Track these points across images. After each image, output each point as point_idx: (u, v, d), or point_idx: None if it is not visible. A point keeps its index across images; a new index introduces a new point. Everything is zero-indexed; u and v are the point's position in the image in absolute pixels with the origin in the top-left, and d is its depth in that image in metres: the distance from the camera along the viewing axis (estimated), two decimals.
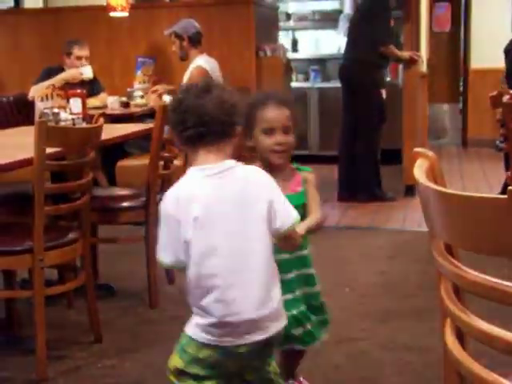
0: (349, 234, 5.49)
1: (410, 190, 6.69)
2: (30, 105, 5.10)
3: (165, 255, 2.03)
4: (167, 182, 4.14)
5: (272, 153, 2.45)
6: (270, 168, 2.35)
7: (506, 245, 1.23)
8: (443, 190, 1.36)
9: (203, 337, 2.01)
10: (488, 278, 1.30)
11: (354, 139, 6.55)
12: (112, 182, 5.51)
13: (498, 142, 8.88)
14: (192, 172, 2.06)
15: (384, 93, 6.48)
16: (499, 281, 1.29)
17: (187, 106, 2.02)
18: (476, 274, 1.32)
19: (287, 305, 2.26)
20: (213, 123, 2.02)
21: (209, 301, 1.98)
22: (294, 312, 2.48)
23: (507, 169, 5.28)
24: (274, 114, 2.43)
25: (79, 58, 5.99)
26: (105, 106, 5.93)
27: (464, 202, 1.29)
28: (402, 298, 4.01)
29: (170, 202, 2.02)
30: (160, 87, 6.15)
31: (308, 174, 2.59)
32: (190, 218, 1.96)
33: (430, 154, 1.60)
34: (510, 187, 1.16)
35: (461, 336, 1.61)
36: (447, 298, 1.50)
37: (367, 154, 6.53)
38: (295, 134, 2.49)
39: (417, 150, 1.62)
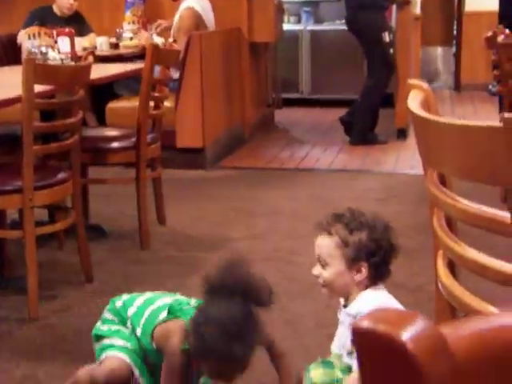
0: (340, 176, 5.48)
1: (402, 133, 6.68)
2: (18, 46, 5.03)
3: None
4: (158, 123, 4.11)
5: None
6: None
7: (501, 173, 1.22)
8: (438, 119, 1.34)
9: None
10: (479, 206, 1.29)
11: None
12: (102, 124, 5.47)
13: (490, 87, 8.87)
14: None
15: (387, 35, 6.39)
16: (490, 209, 1.28)
17: None
18: (468, 202, 1.31)
19: None
20: None
21: None
22: None
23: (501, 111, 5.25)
24: None
25: None
26: (94, 48, 5.85)
27: (459, 131, 1.27)
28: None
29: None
30: (163, 21, 6.09)
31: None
32: None
33: (425, 85, 1.58)
34: (505, 114, 1.14)
35: (453, 268, 1.61)
36: (440, 230, 1.50)
37: (366, 96, 6.50)
38: None
39: (411, 81, 1.59)
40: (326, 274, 2.05)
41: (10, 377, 2.64)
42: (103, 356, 2.29)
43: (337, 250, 2.02)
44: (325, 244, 2.05)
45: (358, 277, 2.00)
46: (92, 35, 6.01)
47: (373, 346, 0.51)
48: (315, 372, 2.19)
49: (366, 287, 2.03)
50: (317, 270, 2.08)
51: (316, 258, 2.12)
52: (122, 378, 2.23)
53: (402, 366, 0.50)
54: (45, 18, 5.73)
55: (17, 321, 3.10)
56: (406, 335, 0.50)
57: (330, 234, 2.04)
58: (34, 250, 3.11)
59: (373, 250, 1.98)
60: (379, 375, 0.52)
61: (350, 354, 2.01)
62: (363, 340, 0.51)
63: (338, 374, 2.13)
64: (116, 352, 2.27)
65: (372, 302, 1.97)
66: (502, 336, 0.60)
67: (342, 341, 2.07)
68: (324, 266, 2.06)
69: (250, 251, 3.87)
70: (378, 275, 2.02)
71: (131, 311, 2.32)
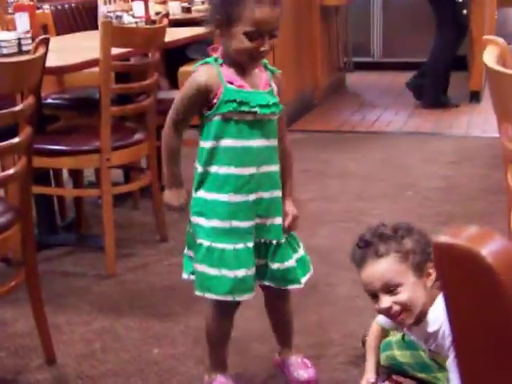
0: (412, 139, 5.44)
1: (476, 96, 6.57)
2: (94, 11, 5.11)
3: None
4: None
5: (250, 58, 1.96)
6: (237, 65, 1.98)
7: None
8: None
9: None
10: None
11: None
12: (175, 87, 5.53)
13: None
14: None
15: None
16: None
17: None
18: None
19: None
20: None
21: None
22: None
23: None
24: (267, 16, 1.89)
25: None
26: (167, 12, 5.89)
27: None
28: (465, 201, 3.99)
29: None
30: None
31: (279, 81, 2.13)
32: None
33: (501, 41, 1.57)
34: None
35: None
36: None
37: (436, 58, 6.39)
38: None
39: (487, 37, 1.59)
40: (403, 295, 1.85)
41: (90, 329, 2.75)
42: None
43: (401, 265, 1.85)
44: (384, 267, 1.86)
45: (430, 281, 1.87)
46: None
47: (453, 261, 0.54)
48: (402, 354, 2.17)
49: (433, 298, 1.87)
50: (386, 301, 1.87)
51: (373, 291, 1.91)
52: None
53: (482, 278, 0.53)
54: None
55: (94, 277, 3.21)
56: (486, 250, 0.53)
57: (380, 255, 1.86)
58: (111, 208, 3.20)
59: (427, 247, 1.86)
60: (460, 289, 0.55)
61: None
62: (444, 254, 0.54)
63: (423, 355, 2.10)
64: None
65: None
66: None
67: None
68: (393, 290, 1.85)
69: (322, 212, 3.90)
70: None
71: None
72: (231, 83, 1.97)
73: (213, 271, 2.03)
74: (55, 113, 3.81)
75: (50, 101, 3.85)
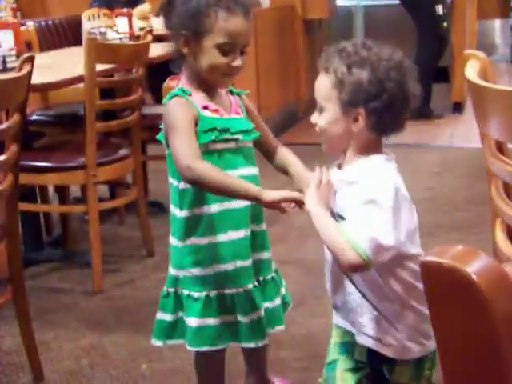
0: (396, 151, 5.43)
1: (458, 107, 6.63)
2: (78, 26, 5.12)
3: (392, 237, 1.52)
4: None
5: (223, 75, 1.86)
6: (206, 88, 1.89)
7: None
8: (495, 86, 1.36)
9: None
10: None
11: None
12: (159, 102, 5.54)
13: None
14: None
15: (440, 8, 6.32)
16: None
17: None
18: None
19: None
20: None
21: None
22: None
23: None
24: (241, 28, 1.81)
25: None
26: (150, 27, 5.90)
27: None
28: (450, 211, 4.03)
29: (402, 184, 1.61)
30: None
31: (248, 101, 2.05)
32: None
33: (482, 55, 1.60)
34: None
35: (511, 236, 1.63)
36: (498, 197, 1.52)
37: (419, 70, 6.42)
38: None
39: (468, 51, 1.61)
40: (321, 121, 1.66)
41: (78, 345, 2.75)
42: None
43: (333, 91, 1.61)
44: (321, 84, 1.65)
45: (355, 127, 1.60)
46: (145, 5, 6.03)
47: (439, 280, 0.56)
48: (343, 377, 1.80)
49: (368, 152, 1.64)
50: (314, 116, 1.70)
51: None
52: None
53: (468, 297, 0.54)
54: (108, 1, 5.84)
55: (82, 293, 3.21)
56: (471, 268, 0.54)
57: (327, 71, 1.62)
58: (98, 224, 3.21)
59: (373, 92, 1.56)
60: (445, 307, 0.56)
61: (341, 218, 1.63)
62: (430, 273, 0.56)
63: None
64: None
65: (371, 172, 1.59)
66: None
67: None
68: (321, 111, 1.67)
69: (309, 225, 3.90)
70: (381, 127, 1.61)
71: None
72: (206, 108, 1.85)
73: (214, 321, 1.92)
74: (40, 129, 3.81)
75: (34, 117, 3.86)
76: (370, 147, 1.64)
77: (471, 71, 1.50)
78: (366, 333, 1.68)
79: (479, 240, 3.38)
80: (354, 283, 1.67)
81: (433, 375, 1.74)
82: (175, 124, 1.79)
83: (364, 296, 1.66)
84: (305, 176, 1.89)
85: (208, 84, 1.87)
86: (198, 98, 1.85)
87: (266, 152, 2.04)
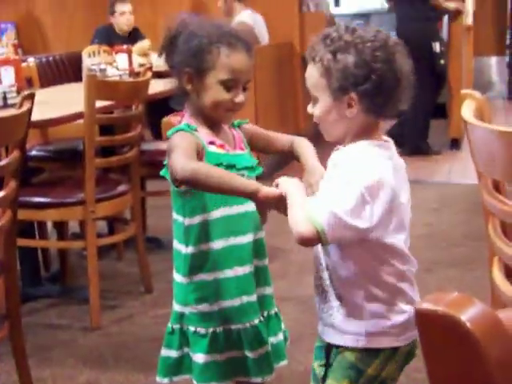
0: None
1: (456, 143, 6.66)
2: (78, 63, 5.17)
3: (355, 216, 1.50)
4: None
5: (226, 111, 1.86)
6: (211, 124, 1.89)
7: None
8: (491, 126, 1.37)
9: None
10: None
11: None
12: (158, 138, 5.57)
13: None
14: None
15: (437, 46, 6.38)
16: None
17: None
18: None
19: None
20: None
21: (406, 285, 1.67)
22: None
23: None
24: (243, 64, 1.84)
25: (122, 13, 6.09)
26: (150, 64, 5.96)
27: None
28: (448, 247, 4.03)
29: (390, 172, 1.57)
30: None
31: (249, 125, 2.04)
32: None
33: (478, 95, 1.61)
34: None
35: (509, 274, 1.63)
36: (495, 236, 1.53)
37: (415, 107, 6.46)
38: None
39: (464, 91, 1.63)
40: (316, 110, 1.64)
41: (75, 383, 2.73)
42: None
43: (321, 80, 1.60)
44: (310, 74, 1.63)
45: (349, 112, 1.58)
46: (145, 41, 6.10)
47: (434, 327, 0.56)
48: None
49: (365, 137, 1.61)
50: (310, 107, 1.68)
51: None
52: None
53: (462, 344, 0.55)
54: (108, 38, 5.92)
55: (79, 329, 3.20)
56: (466, 315, 0.55)
57: (314, 61, 1.61)
58: (96, 260, 3.21)
59: (361, 75, 1.54)
60: (440, 353, 0.56)
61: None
62: (425, 320, 0.56)
63: None
64: None
65: (353, 156, 1.59)
66: None
67: None
68: (314, 101, 1.65)
69: (307, 261, 3.90)
70: (376, 108, 1.58)
71: None
72: (212, 143, 1.85)
73: (221, 357, 1.90)
74: (39, 165, 3.83)
75: (34, 153, 3.87)
76: (367, 132, 1.61)
77: (467, 111, 1.52)
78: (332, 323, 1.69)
79: (477, 277, 3.39)
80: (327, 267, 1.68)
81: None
82: (175, 146, 1.76)
83: (331, 279, 1.67)
84: (315, 170, 1.84)
85: (212, 120, 1.88)
86: (204, 133, 1.86)
87: (283, 153, 2.05)
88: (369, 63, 1.53)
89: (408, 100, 1.66)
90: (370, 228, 1.51)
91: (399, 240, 1.61)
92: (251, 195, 1.66)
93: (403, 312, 1.64)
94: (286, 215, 1.60)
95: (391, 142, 1.65)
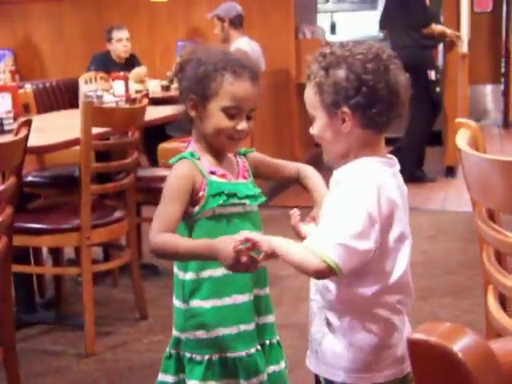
0: None
1: (451, 171, 6.69)
2: (75, 89, 5.20)
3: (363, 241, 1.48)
4: None
5: (229, 139, 1.86)
6: (215, 153, 1.89)
7: None
8: (486, 156, 1.38)
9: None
10: None
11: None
12: (154, 164, 5.58)
13: None
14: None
15: (433, 74, 6.42)
16: None
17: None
18: None
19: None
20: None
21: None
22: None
23: None
24: (247, 92, 1.83)
25: (119, 40, 6.14)
26: (146, 90, 6.00)
27: (507, 167, 1.32)
28: (443, 275, 4.03)
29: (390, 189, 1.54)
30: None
31: (255, 154, 2.05)
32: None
33: (473, 123, 1.62)
34: None
35: (503, 303, 1.63)
36: (489, 264, 1.53)
37: (411, 134, 6.51)
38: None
39: (459, 120, 1.64)
40: (314, 130, 1.63)
41: None
42: None
43: (316, 97, 1.59)
44: (306, 93, 1.63)
45: (344, 128, 1.55)
46: (141, 68, 6.13)
47: (426, 357, 0.56)
48: None
49: (366, 153, 1.58)
50: (311, 128, 1.65)
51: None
52: None
53: (454, 375, 0.55)
54: (105, 64, 5.97)
55: (74, 356, 3.18)
56: (458, 346, 0.55)
57: (309, 79, 1.61)
58: (91, 286, 3.20)
59: (352, 88, 1.52)
60: (432, 383, 0.57)
61: None
62: (417, 350, 0.57)
63: None
64: None
65: (355, 173, 1.56)
66: None
67: None
68: (313, 121, 1.64)
69: (302, 288, 3.90)
70: (370, 121, 1.54)
71: None
72: (213, 173, 1.86)
73: None
74: (35, 191, 3.83)
75: (30, 178, 3.88)
76: (369, 149, 1.58)
77: (462, 140, 1.53)
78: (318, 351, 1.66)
79: (472, 305, 3.38)
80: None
81: None
82: (166, 192, 1.81)
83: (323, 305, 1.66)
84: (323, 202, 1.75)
85: (215, 148, 1.89)
86: (206, 162, 1.86)
87: (290, 181, 2.09)
88: (359, 75, 1.51)
89: (408, 116, 1.65)
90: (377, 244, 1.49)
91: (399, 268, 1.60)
92: (217, 258, 1.66)
93: (390, 347, 1.60)
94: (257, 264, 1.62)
95: (395, 160, 1.63)
